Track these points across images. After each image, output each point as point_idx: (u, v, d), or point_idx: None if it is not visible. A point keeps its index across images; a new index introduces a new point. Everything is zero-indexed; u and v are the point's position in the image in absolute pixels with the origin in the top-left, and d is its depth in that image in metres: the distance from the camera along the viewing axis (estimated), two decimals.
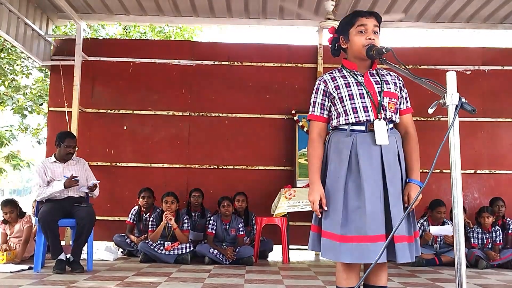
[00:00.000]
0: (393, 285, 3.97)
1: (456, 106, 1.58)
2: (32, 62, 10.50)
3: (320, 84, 2.27)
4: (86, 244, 4.50)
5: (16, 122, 12.08)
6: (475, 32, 7.02)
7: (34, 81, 11.12)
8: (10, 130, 12.12)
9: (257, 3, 6.29)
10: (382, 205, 2.07)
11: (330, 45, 2.37)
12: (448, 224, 5.47)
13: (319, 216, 2.18)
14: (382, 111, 2.16)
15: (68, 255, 4.36)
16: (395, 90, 2.23)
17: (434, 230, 5.46)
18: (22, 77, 10.95)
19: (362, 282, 2.25)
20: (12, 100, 10.15)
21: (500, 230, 5.60)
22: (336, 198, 2.11)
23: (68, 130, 5.75)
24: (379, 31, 2.24)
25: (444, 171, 6.34)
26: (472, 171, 6.58)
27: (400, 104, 2.27)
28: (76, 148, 4.83)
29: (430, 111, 1.65)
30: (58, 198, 4.49)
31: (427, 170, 1.76)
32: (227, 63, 6.74)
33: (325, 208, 2.14)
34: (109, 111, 6.59)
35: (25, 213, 5.22)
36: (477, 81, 6.73)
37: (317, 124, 2.28)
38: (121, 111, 6.59)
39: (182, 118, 6.63)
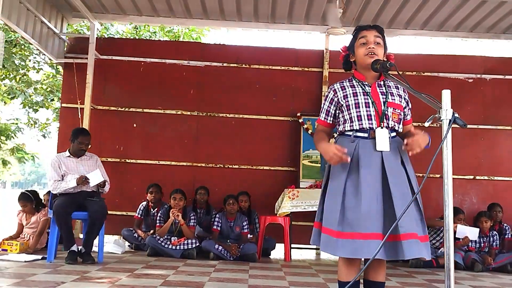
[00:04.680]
0: (391, 284, 4.13)
1: (450, 120, 1.78)
2: (44, 58, 10.69)
3: (329, 93, 2.50)
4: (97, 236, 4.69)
5: (25, 116, 12.29)
6: (478, 41, 7.16)
7: (45, 76, 11.31)
8: (16, 123, 12.31)
9: (266, 7, 6.44)
10: (379, 207, 2.23)
11: (342, 61, 2.57)
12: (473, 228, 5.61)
13: (346, 160, 2.25)
14: (385, 120, 2.34)
15: (80, 247, 4.55)
16: (400, 102, 2.42)
17: (462, 228, 5.48)
18: (33, 72, 11.14)
19: (363, 277, 2.44)
20: (24, 95, 10.36)
21: (497, 235, 5.77)
22: (336, 198, 2.29)
23: (82, 127, 5.93)
24: (383, 41, 2.44)
25: None
26: (472, 177, 6.74)
27: (405, 115, 2.47)
28: (89, 146, 5.02)
29: (426, 124, 1.85)
30: (72, 192, 4.68)
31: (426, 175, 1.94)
32: (235, 65, 6.89)
33: (345, 151, 2.25)
34: (119, 108, 6.77)
35: (44, 206, 5.39)
36: (479, 89, 6.88)
37: (320, 127, 2.54)
38: (131, 109, 6.77)
39: (190, 118, 6.80)
